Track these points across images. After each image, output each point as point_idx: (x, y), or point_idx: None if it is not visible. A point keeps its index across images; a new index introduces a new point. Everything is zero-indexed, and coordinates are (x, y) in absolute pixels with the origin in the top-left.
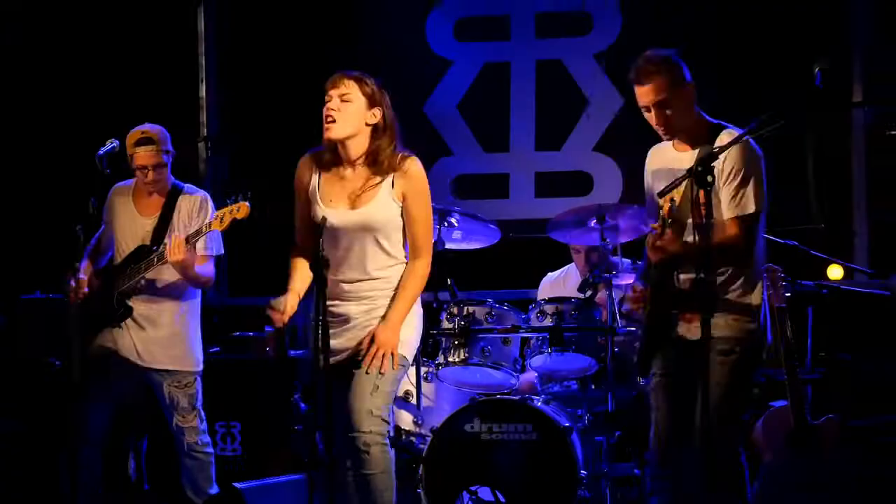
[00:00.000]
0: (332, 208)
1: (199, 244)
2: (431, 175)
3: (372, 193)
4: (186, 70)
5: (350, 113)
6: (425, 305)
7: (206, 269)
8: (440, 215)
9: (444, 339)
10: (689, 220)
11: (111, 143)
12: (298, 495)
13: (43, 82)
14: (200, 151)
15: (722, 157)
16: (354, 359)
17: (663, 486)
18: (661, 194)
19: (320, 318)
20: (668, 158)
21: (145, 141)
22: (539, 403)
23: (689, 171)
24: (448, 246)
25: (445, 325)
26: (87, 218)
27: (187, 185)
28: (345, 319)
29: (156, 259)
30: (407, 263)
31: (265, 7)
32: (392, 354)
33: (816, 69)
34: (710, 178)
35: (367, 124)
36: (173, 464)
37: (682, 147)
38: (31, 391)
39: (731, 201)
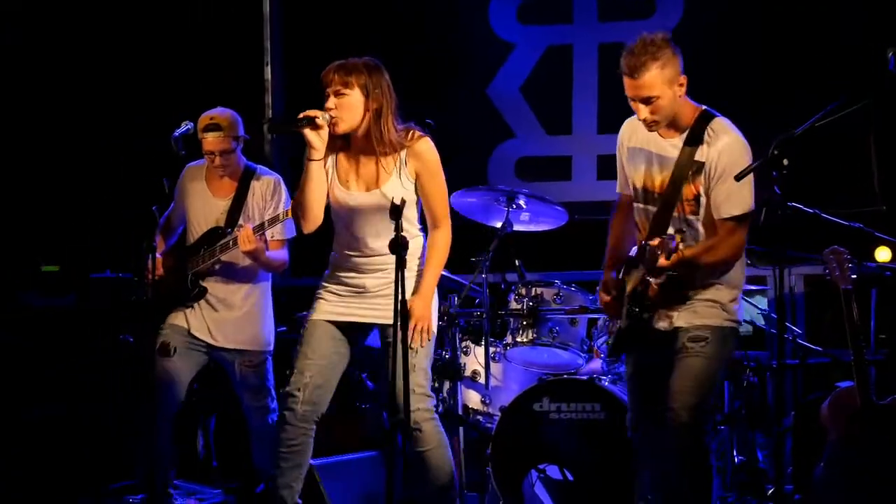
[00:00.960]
0: (349, 190)
1: (273, 229)
2: (495, 157)
3: (385, 174)
4: (252, 52)
5: (348, 107)
6: (494, 286)
7: (279, 254)
8: (508, 198)
9: (512, 320)
10: (677, 215)
11: (186, 126)
12: (371, 472)
13: (116, 63)
14: (266, 134)
15: (717, 154)
16: (385, 338)
17: (640, 441)
18: (739, 178)
19: (399, 299)
20: (646, 139)
21: (213, 127)
22: (607, 383)
23: (768, 154)
24: (516, 228)
25: (514, 305)
26: (162, 198)
27: (260, 167)
28: (360, 290)
29: (231, 243)
30: (428, 235)
31: None
32: (428, 328)
33: (890, 53)
34: (785, 162)
35: (367, 111)
36: (242, 442)
37: (669, 133)
38: (102, 368)
39: (728, 199)
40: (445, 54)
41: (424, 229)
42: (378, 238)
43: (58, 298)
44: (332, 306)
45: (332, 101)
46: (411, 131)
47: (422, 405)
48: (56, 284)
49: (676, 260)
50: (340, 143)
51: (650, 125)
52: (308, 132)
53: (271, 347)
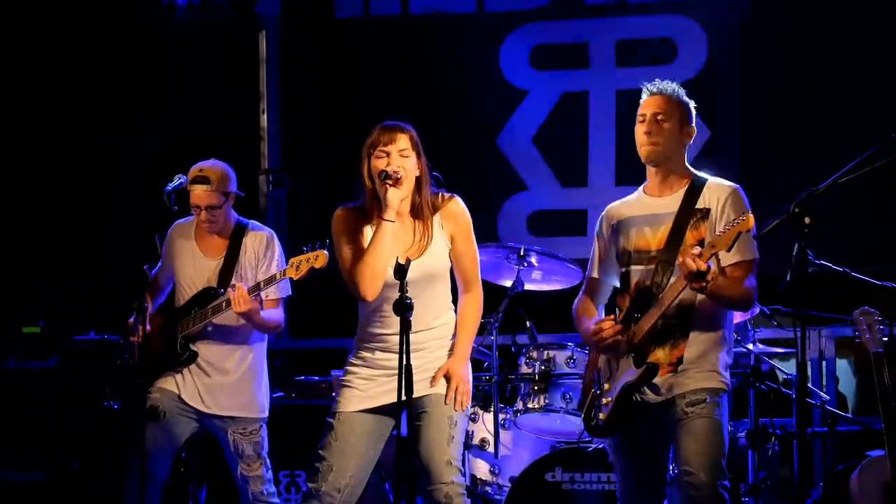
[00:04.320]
0: (392, 262)
1: (268, 288)
2: (505, 211)
3: (427, 240)
4: (248, 99)
5: (410, 169)
6: (504, 349)
7: (274, 314)
8: (519, 255)
9: (522, 385)
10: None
11: (179, 179)
12: None
13: (110, 116)
14: (261, 185)
15: (722, 200)
16: (420, 409)
17: None
18: (760, 236)
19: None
20: (635, 209)
21: (201, 179)
22: None
23: (787, 211)
24: (527, 287)
25: (524, 369)
26: (153, 256)
27: (252, 222)
28: (396, 372)
29: (224, 304)
30: (459, 300)
31: (330, 35)
32: (467, 391)
33: None
34: (807, 220)
35: (416, 176)
36: None
37: (664, 192)
38: (85, 436)
39: (737, 247)
40: (452, 101)
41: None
42: (424, 311)
43: (38, 362)
44: (363, 393)
45: (397, 160)
46: (440, 193)
47: (456, 478)
48: (37, 347)
49: (715, 268)
50: (376, 213)
51: (647, 145)
52: (390, 189)
53: (266, 414)
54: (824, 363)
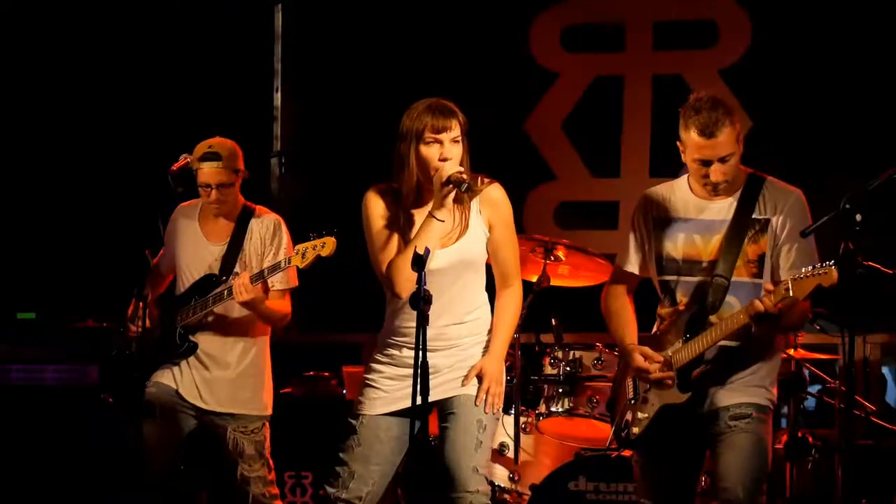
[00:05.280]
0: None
1: (273, 278)
2: (531, 201)
3: (464, 226)
4: (260, 78)
5: (459, 156)
6: (527, 348)
7: (281, 305)
8: (545, 248)
9: (546, 387)
10: (735, 279)
11: (183, 158)
12: None
13: (108, 91)
14: (273, 168)
15: (780, 215)
16: (448, 411)
17: None
18: (806, 233)
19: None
20: (684, 207)
21: (211, 156)
22: None
23: (839, 208)
24: (553, 282)
25: (548, 370)
26: (155, 241)
27: (259, 207)
28: (431, 371)
29: (226, 293)
30: (501, 292)
31: (350, 10)
32: (500, 394)
33: None
34: (858, 217)
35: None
36: None
37: (718, 196)
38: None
39: (805, 259)
40: (477, 83)
41: None
42: (455, 303)
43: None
44: (388, 395)
45: (449, 149)
46: (480, 176)
47: (482, 487)
48: (32, 333)
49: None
50: (412, 198)
51: (718, 187)
52: (454, 192)
53: (269, 412)
54: (869, 370)
